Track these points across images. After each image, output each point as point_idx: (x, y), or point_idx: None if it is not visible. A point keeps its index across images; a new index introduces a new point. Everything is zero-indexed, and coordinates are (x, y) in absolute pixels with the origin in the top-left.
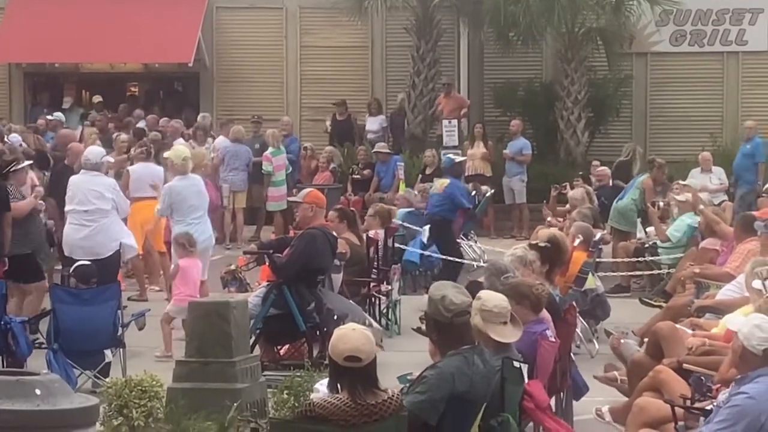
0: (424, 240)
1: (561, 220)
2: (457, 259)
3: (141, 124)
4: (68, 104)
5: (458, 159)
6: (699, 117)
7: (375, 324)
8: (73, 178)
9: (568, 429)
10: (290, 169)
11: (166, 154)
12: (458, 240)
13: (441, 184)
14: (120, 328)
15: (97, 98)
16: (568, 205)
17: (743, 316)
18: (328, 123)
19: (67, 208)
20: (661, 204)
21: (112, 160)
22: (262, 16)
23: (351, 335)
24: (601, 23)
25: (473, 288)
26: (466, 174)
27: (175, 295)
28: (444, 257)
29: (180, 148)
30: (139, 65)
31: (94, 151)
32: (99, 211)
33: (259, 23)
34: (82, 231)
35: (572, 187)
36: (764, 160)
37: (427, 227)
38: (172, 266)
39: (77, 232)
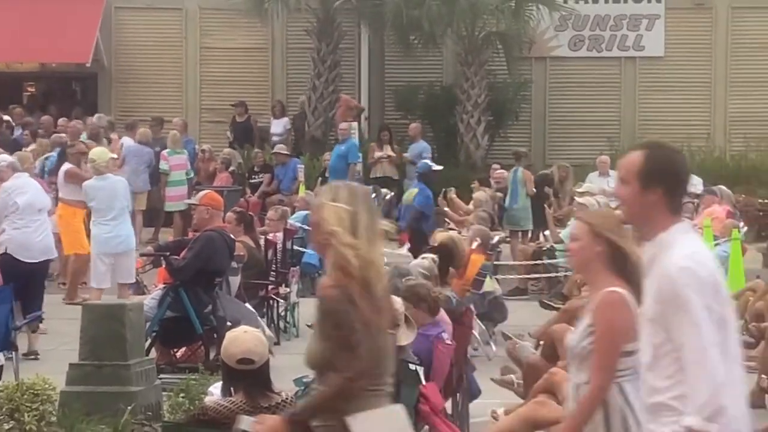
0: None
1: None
2: None
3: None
4: None
5: (435, 167)
6: (597, 121)
7: (267, 331)
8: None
9: None
10: (192, 173)
11: (90, 155)
12: None
13: (410, 194)
14: (13, 331)
15: None
16: (471, 204)
17: None
18: (229, 133)
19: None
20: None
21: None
22: (162, 17)
23: (243, 338)
24: (501, 27)
25: None
26: (373, 176)
27: None
28: None
29: (103, 149)
30: (36, 65)
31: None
32: (44, 212)
33: (159, 24)
34: (38, 232)
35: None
36: (357, 160)
37: None
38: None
39: (35, 234)
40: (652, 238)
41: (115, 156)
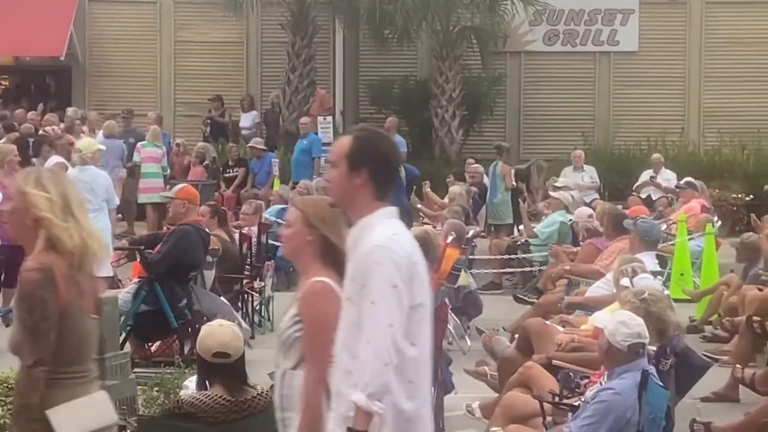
0: None
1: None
2: None
3: None
4: None
5: None
6: (571, 116)
7: (243, 324)
8: None
9: None
10: (168, 170)
11: (78, 145)
12: None
13: None
14: None
15: None
16: (447, 198)
17: (610, 313)
18: (203, 126)
19: None
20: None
21: None
22: (136, 10)
23: (219, 331)
24: (476, 22)
25: None
26: None
27: None
28: None
29: (91, 140)
30: (10, 58)
31: None
32: None
33: (133, 17)
34: None
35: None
36: (320, 155)
37: None
38: None
39: None
40: (357, 222)
41: (103, 147)
